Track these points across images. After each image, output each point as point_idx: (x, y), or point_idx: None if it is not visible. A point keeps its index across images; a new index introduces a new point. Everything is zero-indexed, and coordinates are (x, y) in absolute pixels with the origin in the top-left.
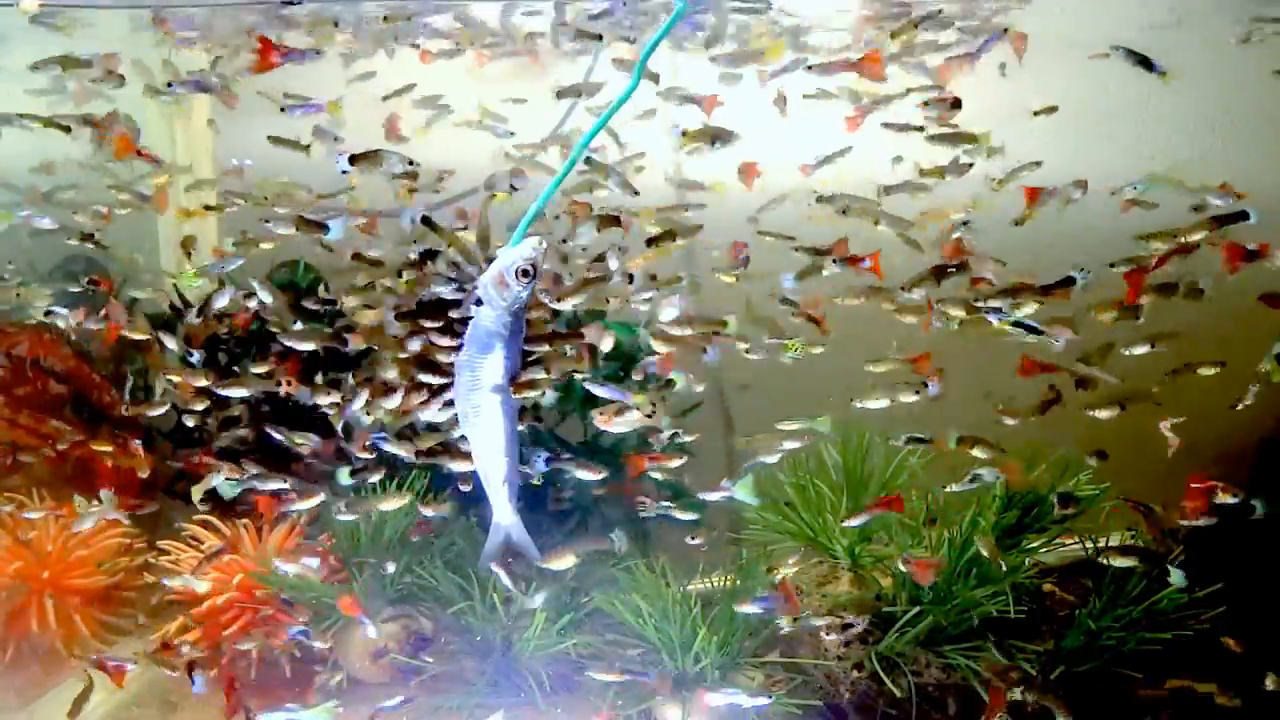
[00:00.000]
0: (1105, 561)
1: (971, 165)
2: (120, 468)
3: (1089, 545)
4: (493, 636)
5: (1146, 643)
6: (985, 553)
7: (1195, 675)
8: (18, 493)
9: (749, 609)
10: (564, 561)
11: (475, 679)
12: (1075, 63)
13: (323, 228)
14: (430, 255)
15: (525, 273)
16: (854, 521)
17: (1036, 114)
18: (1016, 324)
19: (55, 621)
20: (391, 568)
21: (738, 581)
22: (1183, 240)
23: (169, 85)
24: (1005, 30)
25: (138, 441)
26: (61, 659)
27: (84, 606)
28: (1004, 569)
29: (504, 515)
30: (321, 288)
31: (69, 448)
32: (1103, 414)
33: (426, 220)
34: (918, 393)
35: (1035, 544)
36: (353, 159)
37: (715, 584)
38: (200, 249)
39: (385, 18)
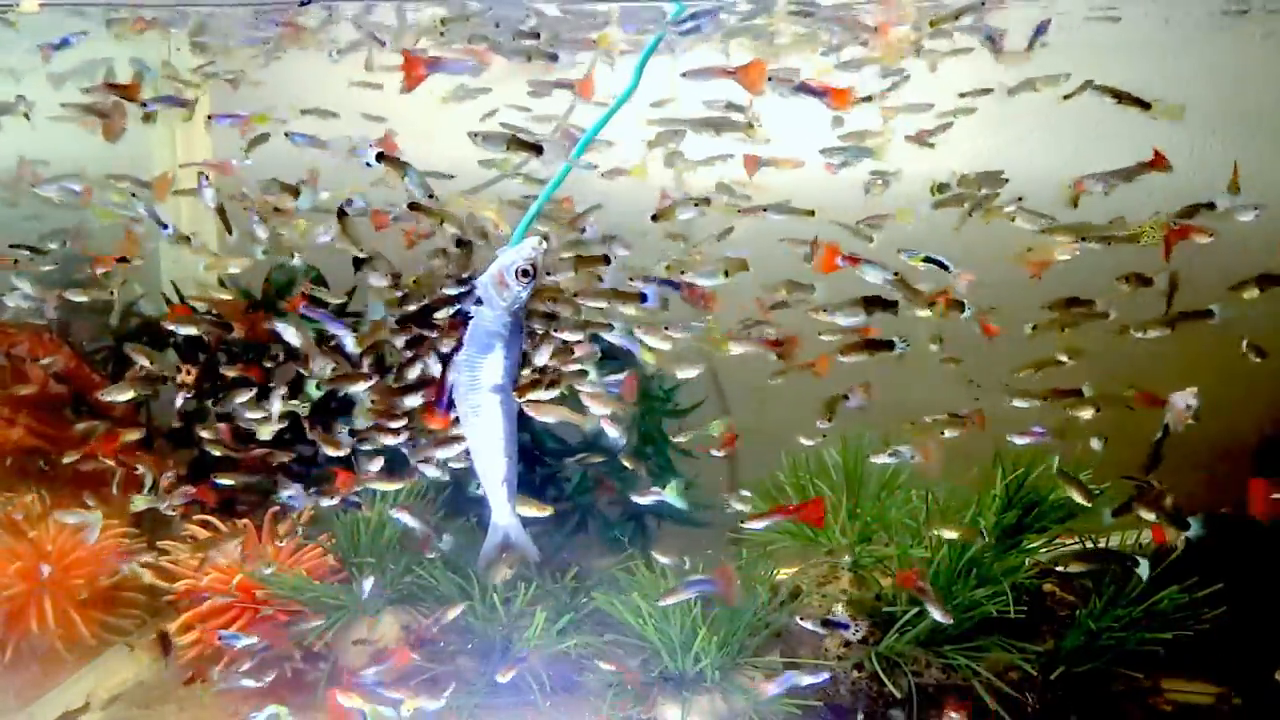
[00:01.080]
0: (1063, 568)
1: (1006, 180)
2: (125, 468)
3: (1088, 545)
4: (493, 636)
5: (1146, 643)
6: (953, 535)
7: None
8: (18, 492)
9: (684, 595)
10: (499, 574)
11: (475, 679)
12: (1075, 63)
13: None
14: (462, 244)
15: (525, 273)
16: (758, 524)
17: (1067, 98)
18: (926, 259)
19: (55, 621)
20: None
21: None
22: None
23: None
24: (1048, 21)
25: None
26: (61, 659)
27: (84, 607)
28: (996, 564)
29: (502, 515)
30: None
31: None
32: (1082, 415)
33: (414, 206)
34: (847, 396)
35: (1035, 544)
36: (380, 156)
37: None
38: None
39: (443, 20)
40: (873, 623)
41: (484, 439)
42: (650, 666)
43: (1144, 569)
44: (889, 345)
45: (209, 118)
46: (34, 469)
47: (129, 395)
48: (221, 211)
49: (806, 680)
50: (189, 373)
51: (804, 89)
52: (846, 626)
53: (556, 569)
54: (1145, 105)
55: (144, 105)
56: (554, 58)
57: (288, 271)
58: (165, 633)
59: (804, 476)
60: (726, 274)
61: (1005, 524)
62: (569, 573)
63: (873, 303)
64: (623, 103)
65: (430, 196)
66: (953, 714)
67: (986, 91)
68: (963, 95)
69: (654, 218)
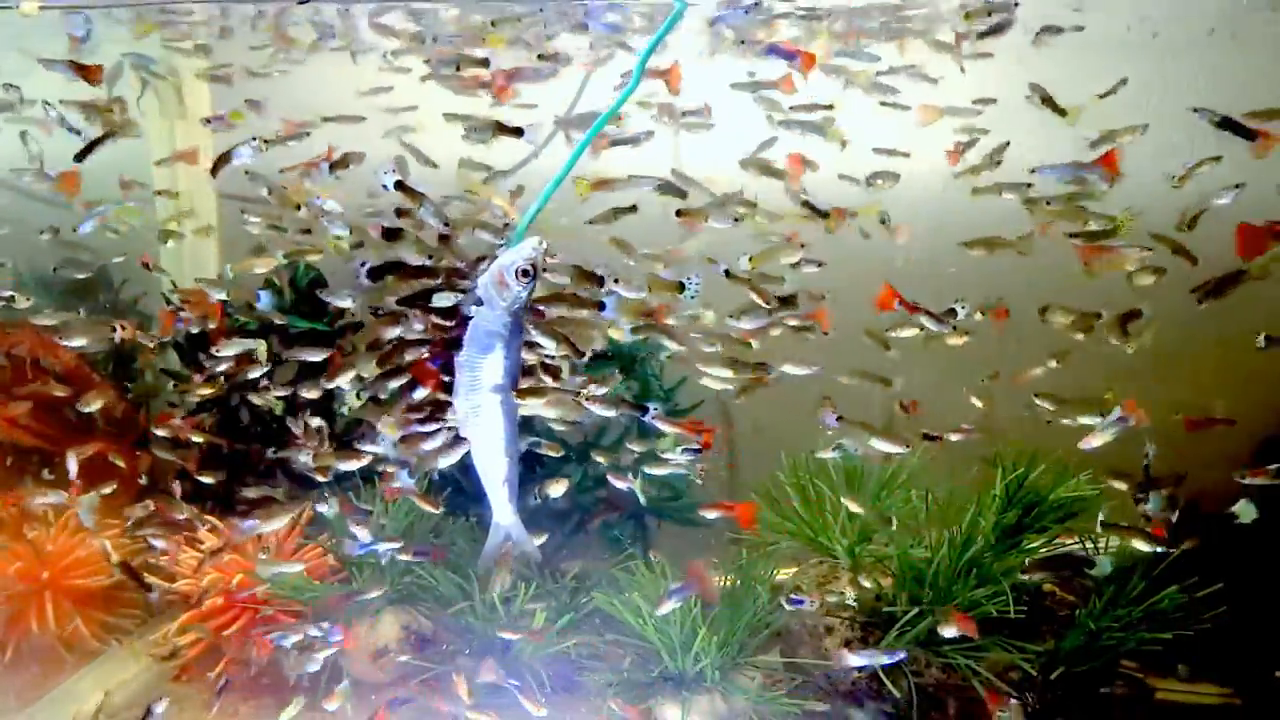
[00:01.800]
0: (1028, 579)
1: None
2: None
3: (1088, 545)
4: (492, 636)
5: (1146, 643)
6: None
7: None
8: (18, 492)
9: (670, 604)
10: (501, 581)
11: (475, 679)
12: (1076, 62)
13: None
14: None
15: (525, 273)
16: (710, 514)
17: (1101, 97)
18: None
19: (55, 621)
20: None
21: (738, 581)
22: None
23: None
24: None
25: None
26: (61, 659)
27: (84, 606)
28: (996, 564)
29: (504, 515)
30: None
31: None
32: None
33: (401, 213)
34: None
35: (1035, 544)
36: (398, 185)
37: (715, 583)
38: (200, 254)
39: (494, 22)
40: (873, 623)
41: (485, 439)
42: (650, 666)
43: (1101, 568)
44: (763, 367)
45: (205, 120)
46: (34, 469)
47: (99, 404)
48: (223, 159)
49: (886, 660)
50: (124, 328)
51: (774, 50)
52: (801, 603)
53: (556, 569)
54: (1062, 112)
55: (81, 158)
56: (485, 64)
57: (286, 271)
58: (128, 565)
59: (804, 476)
60: (650, 289)
61: (1005, 524)
62: (569, 573)
63: (787, 301)
64: (623, 101)
65: (446, 224)
66: (998, 711)
67: (990, 102)
68: (976, 102)
69: (678, 213)
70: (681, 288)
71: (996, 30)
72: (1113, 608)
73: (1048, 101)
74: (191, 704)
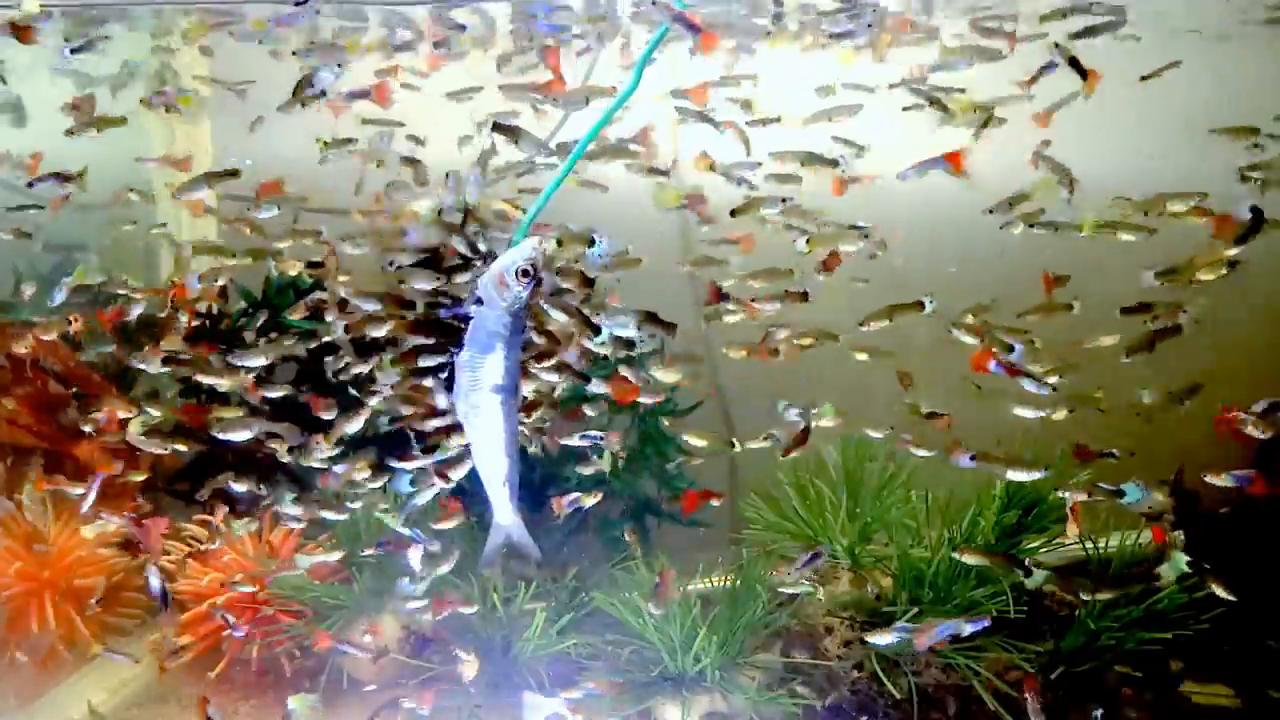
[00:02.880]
0: (958, 557)
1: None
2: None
3: (1088, 545)
4: (492, 637)
5: (1146, 643)
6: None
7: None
8: (18, 492)
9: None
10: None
11: (475, 679)
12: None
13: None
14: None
15: (525, 273)
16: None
17: (1144, 78)
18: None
19: (55, 621)
20: None
21: (738, 581)
22: None
23: None
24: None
25: None
26: (61, 659)
27: (84, 607)
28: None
29: (504, 515)
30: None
31: (69, 447)
32: (1058, 416)
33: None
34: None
35: (1035, 544)
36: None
37: (715, 583)
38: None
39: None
40: (873, 623)
41: (485, 439)
42: (650, 666)
43: (1037, 579)
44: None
45: (140, 100)
46: (35, 468)
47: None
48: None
49: (969, 628)
50: (75, 320)
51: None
52: (819, 555)
53: (556, 569)
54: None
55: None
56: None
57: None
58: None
59: (803, 476)
60: (560, 243)
61: (1005, 524)
62: (569, 572)
63: (651, 319)
64: (621, 103)
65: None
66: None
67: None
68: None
69: (732, 213)
70: (592, 243)
71: (1098, 31)
72: (1113, 608)
73: (935, 103)
74: (193, 703)
